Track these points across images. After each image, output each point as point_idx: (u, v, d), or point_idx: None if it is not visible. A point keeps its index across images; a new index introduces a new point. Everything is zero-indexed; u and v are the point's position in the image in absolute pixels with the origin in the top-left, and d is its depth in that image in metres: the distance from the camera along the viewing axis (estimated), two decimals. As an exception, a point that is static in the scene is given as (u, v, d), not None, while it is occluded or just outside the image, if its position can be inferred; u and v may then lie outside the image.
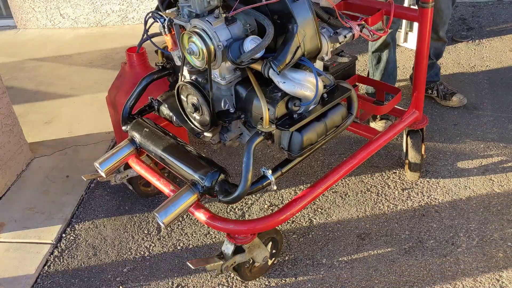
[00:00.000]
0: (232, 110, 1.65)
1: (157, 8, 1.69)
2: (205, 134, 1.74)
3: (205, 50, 1.45)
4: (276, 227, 1.75)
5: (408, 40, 3.20)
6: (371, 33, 1.79)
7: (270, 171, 1.60)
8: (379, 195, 2.13)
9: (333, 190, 2.17)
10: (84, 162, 2.44)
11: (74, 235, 2.06)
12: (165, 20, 1.62)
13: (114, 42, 3.69)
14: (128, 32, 3.86)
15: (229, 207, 2.13)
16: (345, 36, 1.70)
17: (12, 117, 2.35)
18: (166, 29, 1.62)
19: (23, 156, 2.43)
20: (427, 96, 2.60)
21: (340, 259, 1.87)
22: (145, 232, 2.05)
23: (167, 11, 1.61)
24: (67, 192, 2.27)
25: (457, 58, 3.06)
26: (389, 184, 2.18)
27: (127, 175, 2.03)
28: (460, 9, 3.62)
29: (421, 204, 2.07)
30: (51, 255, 1.98)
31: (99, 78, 3.22)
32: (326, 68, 1.90)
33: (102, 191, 2.28)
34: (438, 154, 2.33)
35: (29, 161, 2.47)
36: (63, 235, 2.06)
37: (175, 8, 1.60)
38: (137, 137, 1.83)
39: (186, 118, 1.76)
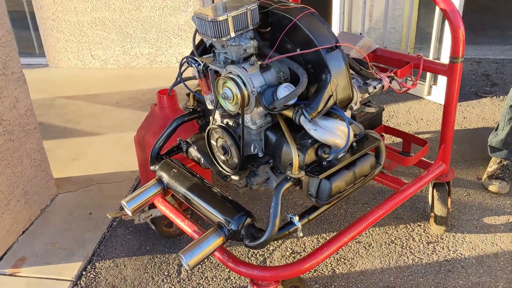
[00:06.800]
0: (260, 155, 1.67)
1: (192, 54, 1.75)
2: (232, 177, 1.75)
3: (239, 96, 1.49)
4: (300, 276, 1.72)
5: (432, 93, 3.23)
6: (400, 85, 1.82)
7: (297, 218, 1.59)
8: (404, 247, 2.10)
9: (357, 241, 2.14)
10: (107, 200, 2.46)
11: (94, 273, 2.05)
12: (199, 65, 1.67)
13: (142, 84, 3.79)
14: (155, 75, 3.97)
15: (250, 252, 2.11)
16: (374, 87, 1.73)
17: (41, 152, 2.40)
18: (200, 74, 1.67)
19: (48, 191, 2.46)
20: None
21: (363, 312, 1.83)
22: (165, 273, 2.03)
23: (203, 56, 1.66)
24: (89, 230, 2.28)
25: (482, 113, 3.06)
26: (414, 237, 2.15)
27: (151, 215, 2.03)
28: (483, 65, 3.66)
29: (447, 259, 2.03)
30: (70, 293, 1.97)
31: (125, 118, 3.29)
32: (353, 117, 1.93)
33: (124, 229, 2.28)
34: (464, 208, 2.30)
35: (53, 196, 2.50)
36: (84, 272, 2.05)
37: (211, 54, 1.66)
38: (165, 177, 1.85)
39: (215, 161, 1.78)
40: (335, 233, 2.12)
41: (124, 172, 2.67)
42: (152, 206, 1.97)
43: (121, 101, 3.54)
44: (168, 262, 2.09)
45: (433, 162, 2.06)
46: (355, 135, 1.62)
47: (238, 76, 1.50)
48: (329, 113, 1.55)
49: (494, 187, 2.38)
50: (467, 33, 1.79)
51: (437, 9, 3.00)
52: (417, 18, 3.35)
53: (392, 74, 1.78)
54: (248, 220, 1.60)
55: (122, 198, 1.88)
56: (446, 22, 1.84)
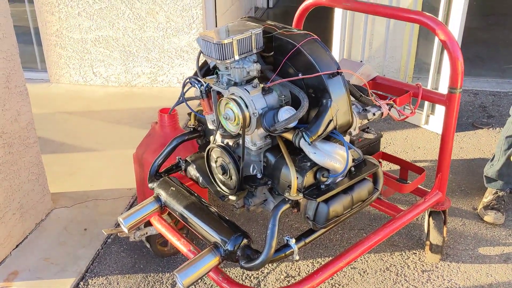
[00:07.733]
0: (259, 176, 1.68)
1: (195, 74, 1.78)
2: (230, 197, 1.76)
3: (241, 117, 1.51)
4: (294, 299, 1.71)
5: (429, 122, 3.26)
6: (399, 113, 1.85)
7: (293, 240, 1.60)
8: (399, 275, 2.09)
9: (352, 266, 2.13)
10: (103, 217, 2.45)
11: (86, 290, 2.04)
12: (202, 85, 1.70)
13: (142, 103, 3.82)
14: (156, 94, 3.99)
15: (244, 274, 2.10)
16: (374, 114, 1.76)
17: (39, 167, 2.40)
18: (203, 94, 1.69)
19: (44, 205, 2.45)
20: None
21: None
22: (158, 293, 2.02)
23: (206, 77, 1.69)
24: (84, 245, 2.27)
25: (478, 144, 3.09)
26: (409, 264, 2.15)
27: (146, 233, 2.03)
28: (480, 97, 3.71)
29: (442, 288, 2.03)
30: (61, 309, 1.95)
31: (124, 135, 3.30)
32: (352, 142, 1.94)
33: (119, 247, 2.27)
34: (459, 238, 2.30)
35: (49, 211, 2.49)
36: (76, 289, 2.04)
37: (214, 75, 1.68)
38: (162, 195, 1.85)
39: (213, 181, 1.79)
40: (330, 258, 2.12)
41: (120, 189, 2.67)
42: (148, 224, 1.97)
43: (121, 118, 3.56)
44: (161, 281, 2.07)
45: (429, 190, 2.08)
46: (353, 160, 1.64)
47: (241, 97, 1.52)
48: (328, 137, 1.57)
49: (489, 217, 2.39)
50: (464, 64, 1.83)
51: (436, 40, 3.06)
52: (416, 48, 3.41)
53: (391, 102, 1.81)
54: (245, 241, 1.60)
55: (118, 215, 1.89)
56: (445, 53, 1.88)
